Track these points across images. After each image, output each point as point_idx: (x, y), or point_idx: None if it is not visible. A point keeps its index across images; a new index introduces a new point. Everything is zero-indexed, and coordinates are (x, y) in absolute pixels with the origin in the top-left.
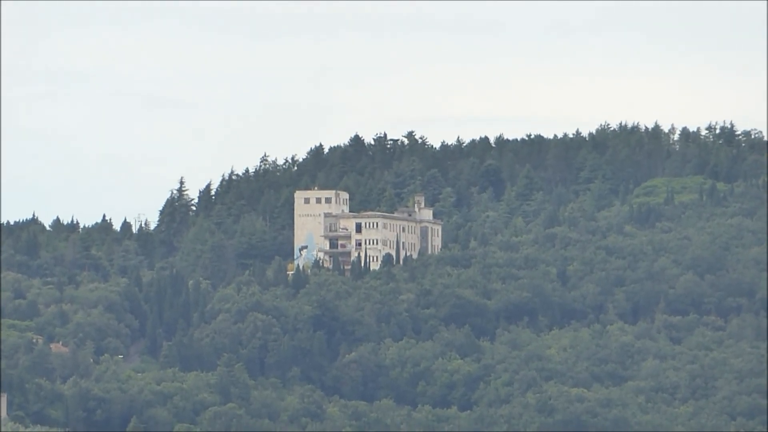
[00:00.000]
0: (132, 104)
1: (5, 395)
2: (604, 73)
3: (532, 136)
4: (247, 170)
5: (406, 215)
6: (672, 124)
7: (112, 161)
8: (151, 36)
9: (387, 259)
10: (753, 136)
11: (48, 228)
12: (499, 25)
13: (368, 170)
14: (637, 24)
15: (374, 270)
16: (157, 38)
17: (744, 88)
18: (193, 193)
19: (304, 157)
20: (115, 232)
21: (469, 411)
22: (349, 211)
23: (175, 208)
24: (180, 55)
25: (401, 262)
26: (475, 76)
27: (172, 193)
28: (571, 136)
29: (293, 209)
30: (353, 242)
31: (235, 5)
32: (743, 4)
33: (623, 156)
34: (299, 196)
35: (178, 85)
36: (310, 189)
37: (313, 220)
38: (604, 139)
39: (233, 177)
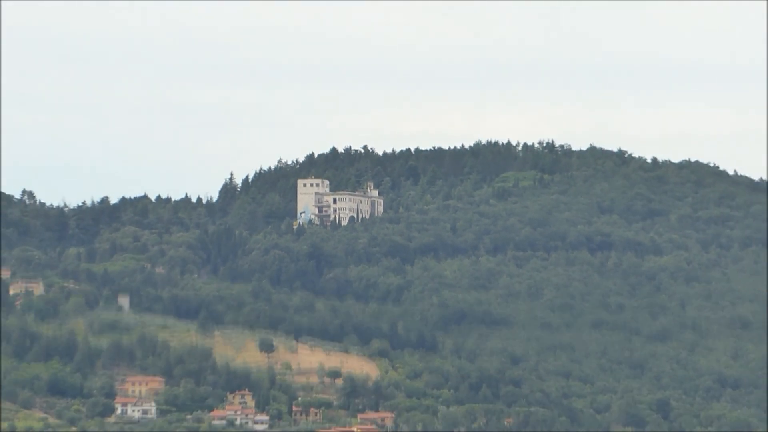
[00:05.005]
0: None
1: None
2: (478, 105)
3: (436, 147)
4: (269, 167)
5: (362, 194)
6: (517, 140)
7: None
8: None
9: (351, 219)
10: (564, 147)
11: (153, 201)
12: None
13: (341, 167)
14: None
15: (344, 225)
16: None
17: (561, 117)
18: (237, 180)
19: (303, 159)
20: (192, 203)
21: (398, 306)
22: (329, 191)
23: (228, 189)
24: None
25: (359, 221)
26: (402, 105)
27: (226, 180)
28: (458, 147)
29: (296, 190)
30: (332, 209)
31: None
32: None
33: (490, 159)
34: (300, 182)
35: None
36: (307, 178)
37: (309, 196)
38: (479, 149)
39: (261, 171)
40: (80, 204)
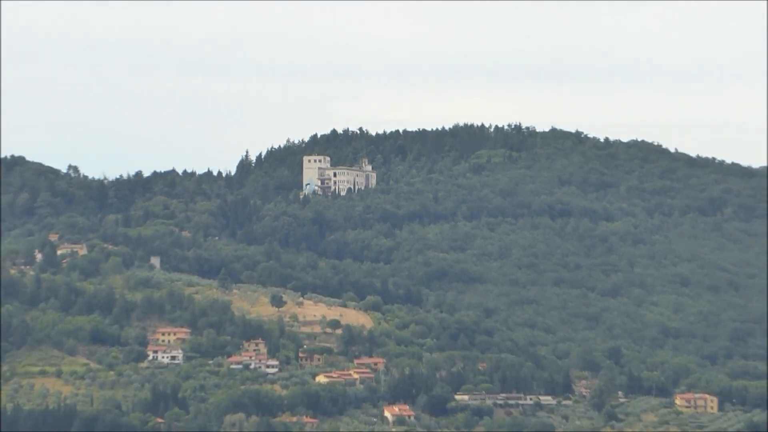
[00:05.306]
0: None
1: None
2: (454, 92)
3: (420, 129)
4: (279, 146)
5: (358, 168)
6: (490, 123)
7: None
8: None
9: (349, 190)
10: (530, 129)
11: (180, 174)
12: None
13: (340, 146)
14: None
15: (342, 195)
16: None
17: (525, 105)
18: (252, 157)
19: (308, 139)
20: (214, 176)
21: (389, 264)
22: (330, 166)
23: (244, 165)
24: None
25: (356, 191)
26: (387, 97)
27: (243, 157)
28: (439, 129)
29: (302, 165)
30: (332, 181)
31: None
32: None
33: (466, 139)
34: (306, 158)
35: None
36: (311, 155)
37: (313, 170)
38: (457, 131)
39: (273, 149)
40: (118, 177)
